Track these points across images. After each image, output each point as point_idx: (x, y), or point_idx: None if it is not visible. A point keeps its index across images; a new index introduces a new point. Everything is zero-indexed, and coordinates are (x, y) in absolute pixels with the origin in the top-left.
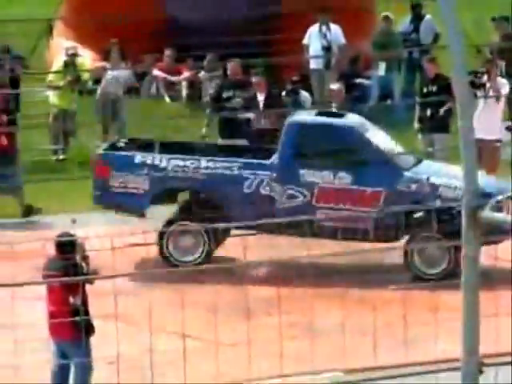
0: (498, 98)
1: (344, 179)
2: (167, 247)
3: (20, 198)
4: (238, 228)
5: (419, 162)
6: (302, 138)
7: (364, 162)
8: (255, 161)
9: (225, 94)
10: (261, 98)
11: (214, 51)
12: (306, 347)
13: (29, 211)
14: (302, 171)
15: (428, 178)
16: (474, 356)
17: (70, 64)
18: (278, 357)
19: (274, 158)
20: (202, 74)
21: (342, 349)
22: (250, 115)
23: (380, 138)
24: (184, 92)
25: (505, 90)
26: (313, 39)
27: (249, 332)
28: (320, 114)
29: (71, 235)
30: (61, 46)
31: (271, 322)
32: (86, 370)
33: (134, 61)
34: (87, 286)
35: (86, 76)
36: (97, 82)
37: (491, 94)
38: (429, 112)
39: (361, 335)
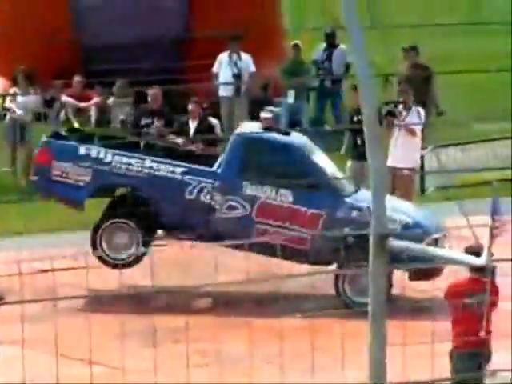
0: (412, 132)
1: (286, 197)
2: (100, 244)
3: None
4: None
5: (357, 190)
6: (248, 150)
7: (307, 183)
8: (200, 167)
9: (143, 121)
10: (193, 124)
11: (123, 77)
12: (215, 375)
13: None
14: (244, 183)
15: (369, 207)
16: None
17: None
18: None
19: (218, 167)
20: (111, 99)
21: (249, 376)
22: (179, 141)
23: (324, 162)
24: (93, 118)
25: (421, 119)
26: (223, 67)
27: (155, 359)
28: (266, 129)
29: None
30: None
31: (179, 349)
32: None
33: (43, 86)
34: None
35: None
36: (4, 107)
37: (407, 122)
38: (359, 140)
39: (267, 363)
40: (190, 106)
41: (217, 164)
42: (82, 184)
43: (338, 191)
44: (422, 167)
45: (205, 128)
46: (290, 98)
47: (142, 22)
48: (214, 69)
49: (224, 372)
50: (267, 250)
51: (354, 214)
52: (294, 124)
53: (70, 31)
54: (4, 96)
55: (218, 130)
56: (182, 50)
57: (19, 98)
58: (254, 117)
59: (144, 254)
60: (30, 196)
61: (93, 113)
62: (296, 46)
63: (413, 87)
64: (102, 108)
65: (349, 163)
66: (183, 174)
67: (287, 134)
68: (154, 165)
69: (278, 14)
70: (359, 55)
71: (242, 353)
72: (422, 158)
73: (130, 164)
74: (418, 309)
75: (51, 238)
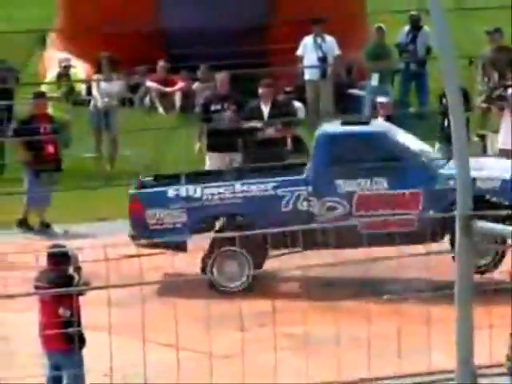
0: None
1: (382, 184)
2: (212, 273)
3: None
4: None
5: (449, 160)
6: (334, 148)
7: (399, 166)
8: (289, 177)
9: (213, 107)
10: (265, 108)
11: (207, 62)
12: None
13: (46, 226)
14: (337, 182)
15: None
16: (467, 366)
17: (64, 75)
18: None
19: (308, 172)
20: (195, 84)
21: (336, 360)
22: (256, 125)
23: (409, 141)
24: (177, 103)
25: None
26: (308, 50)
27: (243, 344)
28: (344, 123)
29: (63, 246)
30: (54, 57)
31: (265, 333)
32: (78, 382)
33: (128, 72)
34: (81, 297)
35: (79, 87)
36: (90, 93)
37: None
38: (446, 122)
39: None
40: (260, 90)
41: (306, 170)
42: (179, 226)
43: (431, 165)
44: None
45: (279, 111)
46: (374, 80)
47: (224, 6)
48: (299, 52)
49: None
50: (376, 239)
51: (452, 182)
52: None
53: (154, 16)
54: (89, 82)
55: (301, 113)
56: (266, 34)
57: (103, 84)
58: (339, 100)
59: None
60: (113, 182)
61: (177, 98)
62: (380, 28)
63: (497, 70)
64: (186, 93)
65: (436, 145)
66: (275, 188)
67: (366, 123)
68: (245, 187)
69: None
70: (443, 38)
71: (329, 336)
72: None
73: (220, 193)
74: (499, 292)
75: None
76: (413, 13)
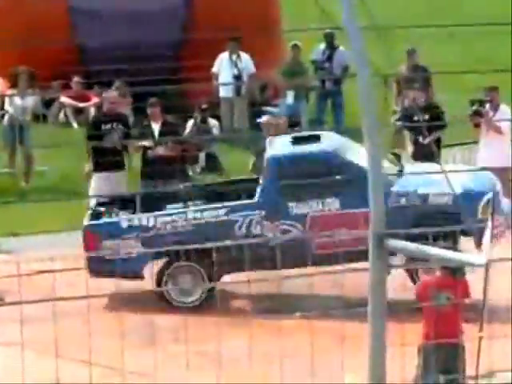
0: (499, 131)
1: (333, 204)
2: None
3: None
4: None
5: (401, 171)
6: (284, 171)
7: (349, 185)
8: (242, 202)
9: (103, 127)
10: (156, 126)
11: (121, 78)
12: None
13: None
14: (289, 204)
15: (416, 190)
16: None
17: None
18: None
19: (259, 196)
20: None
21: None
22: (145, 143)
23: (360, 157)
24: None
25: (508, 117)
26: (223, 67)
27: (155, 360)
28: (295, 138)
29: None
30: None
31: (178, 350)
32: None
33: (43, 88)
34: None
35: None
36: (3, 108)
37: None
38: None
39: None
40: (148, 110)
41: (257, 193)
42: (134, 255)
43: (385, 182)
44: None
45: (168, 130)
46: (290, 98)
47: (140, 23)
48: (214, 69)
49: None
50: (330, 259)
51: (403, 200)
52: (294, 125)
53: (68, 32)
54: (2, 97)
55: (216, 130)
56: (181, 51)
57: (17, 99)
58: (253, 117)
59: (212, 290)
60: (28, 197)
61: (92, 113)
62: (295, 46)
63: (412, 89)
64: (100, 108)
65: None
66: (228, 213)
67: (317, 138)
68: (198, 214)
69: (278, 14)
70: (359, 56)
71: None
72: None
73: (174, 221)
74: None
75: (50, 238)
76: (327, 31)
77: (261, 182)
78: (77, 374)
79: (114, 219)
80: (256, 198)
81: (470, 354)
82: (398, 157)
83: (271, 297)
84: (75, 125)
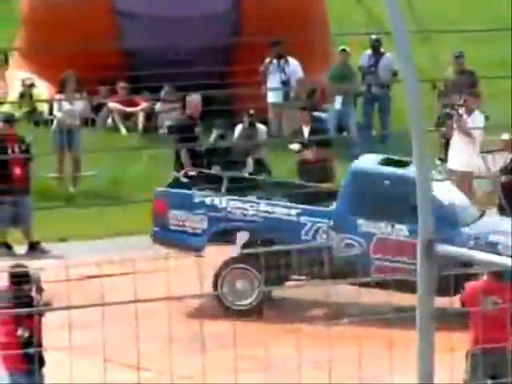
0: (469, 135)
1: (402, 231)
2: (221, 289)
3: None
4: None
5: (481, 216)
6: (364, 187)
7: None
8: (314, 208)
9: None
10: (305, 129)
11: (170, 83)
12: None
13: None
14: (359, 221)
15: (487, 236)
16: None
17: (27, 95)
18: None
19: (334, 206)
20: (158, 105)
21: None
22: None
23: (444, 190)
24: (140, 124)
25: (480, 123)
26: (271, 72)
27: (204, 365)
28: (384, 160)
29: (25, 266)
30: (17, 77)
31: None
32: None
33: (90, 92)
34: (43, 318)
35: (42, 107)
36: (51, 112)
37: (468, 125)
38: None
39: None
40: (298, 113)
41: (334, 203)
42: (199, 231)
43: (456, 221)
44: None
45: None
46: (337, 103)
47: (188, 27)
48: (262, 73)
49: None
50: (385, 286)
51: (471, 244)
52: (342, 130)
53: (116, 37)
54: (51, 102)
55: (263, 135)
56: (230, 56)
57: (66, 104)
58: None
59: (268, 295)
60: (76, 202)
61: (140, 119)
62: (344, 51)
63: (459, 93)
64: (149, 114)
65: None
66: (298, 215)
67: (406, 164)
68: (269, 208)
69: (326, 19)
70: (405, 61)
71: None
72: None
73: (245, 209)
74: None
75: (98, 243)
76: (373, 36)
77: (339, 191)
78: (125, 378)
79: (187, 191)
80: (330, 207)
81: None
82: (444, 162)
83: (320, 304)
84: (123, 130)
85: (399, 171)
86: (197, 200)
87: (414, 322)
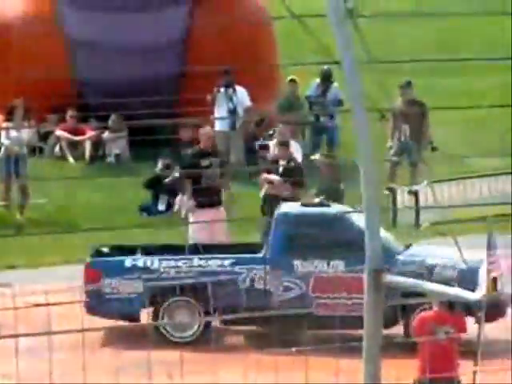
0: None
1: (338, 267)
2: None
3: None
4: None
5: (409, 246)
6: (293, 228)
7: (356, 249)
8: (247, 255)
9: (203, 163)
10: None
11: (117, 111)
12: None
13: None
14: (295, 262)
15: (423, 260)
16: None
17: None
18: None
19: (265, 251)
20: (105, 134)
21: None
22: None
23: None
24: (88, 152)
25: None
26: (219, 101)
27: None
28: (304, 205)
29: None
30: None
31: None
32: None
33: (38, 120)
34: None
35: None
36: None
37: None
38: None
39: None
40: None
41: (264, 248)
42: (134, 296)
43: (390, 250)
44: (417, 202)
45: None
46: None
47: (135, 57)
48: (210, 102)
49: None
50: (327, 322)
51: (408, 268)
52: (289, 161)
53: (65, 66)
54: None
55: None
56: (177, 85)
57: (13, 132)
58: (250, 151)
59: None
60: (25, 230)
61: (87, 147)
62: (292, 80)
63: (408, 123)
64: (96, 142)
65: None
66: (233, 264)
67: (327, 206)
68: (202, 262)
69: (274, 49)
70: (354, 90)
71: None
72: (416, 193)
73: (178, 266)
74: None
75: (46, 271)
76: (324, 66)
77: (269, 236)
78: None
79: (118, 257)
80: (262, 253)
81: None
82: (393, 192)
83: (266, 334)
84: (71, 159)
85: (326, 210)
86: (129, 265)
87: (361, 352)
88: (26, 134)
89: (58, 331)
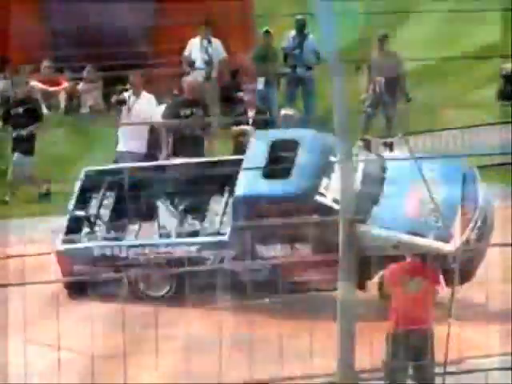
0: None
1: (303, 250)
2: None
3: None
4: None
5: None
6: (252, 212)
7: (321, 227)
8: (213, 239)
9: (182, 112)
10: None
11: (92, 62)
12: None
13: None
14: (258, 247)
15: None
16: (349, 370)
17: None
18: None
19: (229, 236)
20: (80, 85)
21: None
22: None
23: (333, 192)
24: (62, 103)
25: (151, 105)
26: (194, 52)
27: (125, 344)
28: (265, 175)
29: None
30: None
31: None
32: None
33: (12, 71)
34: None
35: None
36: None
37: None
38: None
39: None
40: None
41: (228, 231)
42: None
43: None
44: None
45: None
46: (260, 84)
47: (111, 7)
48: (186, 53)
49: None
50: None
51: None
52: (262, 112)
53: (39, 16)
54: None
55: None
56: (152, 36)
57: None
58: (224, 102)
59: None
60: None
61: (62, 98)
62: (267, 32)
63: (383, 75)
64: (71, 93)
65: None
66: (199, 250)
67: (288, 173)
68: (169, 248)
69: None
70: (330, 42)
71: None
72: (391, 144)
73: (145, 254)
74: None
75: (21, 223)
76: (299, 17)
77: (230, 221)
78: (45, 357)
79: (87, 244)
80: (226, 237)
81: (440, 340)
82: (368, 143)
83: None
84: (45, 109)
85: (284, 187)
86: (97, 253)
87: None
88: (0, 84)
89: (31, 282)
